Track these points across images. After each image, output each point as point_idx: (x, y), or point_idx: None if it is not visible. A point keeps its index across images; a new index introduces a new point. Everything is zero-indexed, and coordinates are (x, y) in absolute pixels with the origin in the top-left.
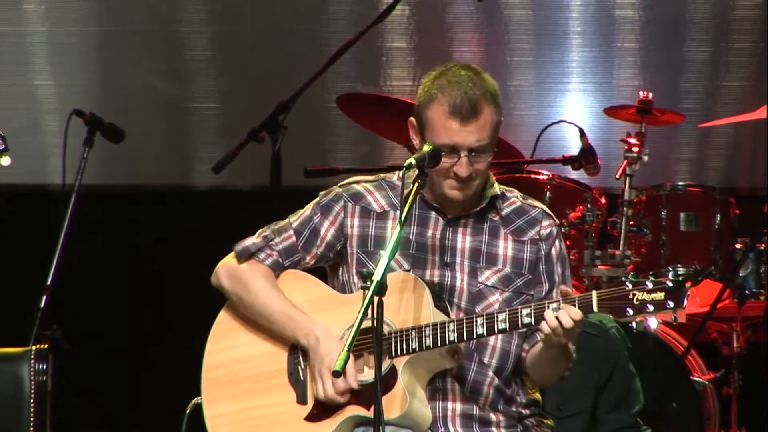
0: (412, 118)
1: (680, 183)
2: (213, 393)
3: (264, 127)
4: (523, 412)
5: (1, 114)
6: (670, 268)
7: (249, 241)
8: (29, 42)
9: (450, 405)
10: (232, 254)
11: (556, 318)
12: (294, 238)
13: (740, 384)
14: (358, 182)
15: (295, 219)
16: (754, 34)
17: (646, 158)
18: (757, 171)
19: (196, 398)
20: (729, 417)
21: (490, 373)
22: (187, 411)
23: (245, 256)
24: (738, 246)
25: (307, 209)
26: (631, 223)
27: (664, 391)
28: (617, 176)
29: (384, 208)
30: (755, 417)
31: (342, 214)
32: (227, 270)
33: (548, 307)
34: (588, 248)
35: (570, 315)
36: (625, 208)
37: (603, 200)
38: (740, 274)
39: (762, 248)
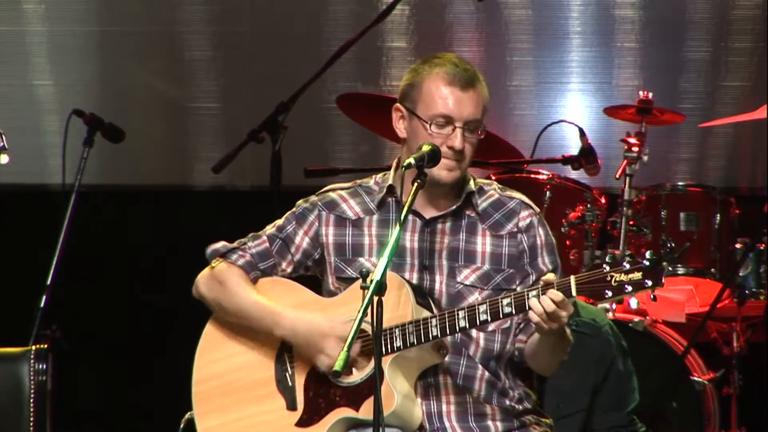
0: (397, 104)
1: (680, 183)
2: (204, 406)
3: (264, 127)
4: (518, 407)
5: (1, 114)
6: (669, 268)
7: (220, 244)
8: (29, 42)
9: (444, 400)
10: (208, 266)
11: (540, 304)
12: (267, 244)
13: (740, 384)
14: (333, 190)
15: (270, 228)
16: (754, 34)
17: (646, 158)
18: (757, 171)
19: (188, 413)
20: (729, 417)
21: (480, 367)
22: (181, 426)
23: (216, 257)
24: (738, 246)
25: (282, 219)
26: (631, 223)
27: (664, 391)
28: (617, 176)
29: (359, 215)
30: (755, 417)
31: (317, 223)
32: (204, 278)
33: (528, 295)
34: (588, 248)
35: (551, 298)
36: (625, 208)
37: (603, 200)
38: (740, 274)
39: (762, 248)
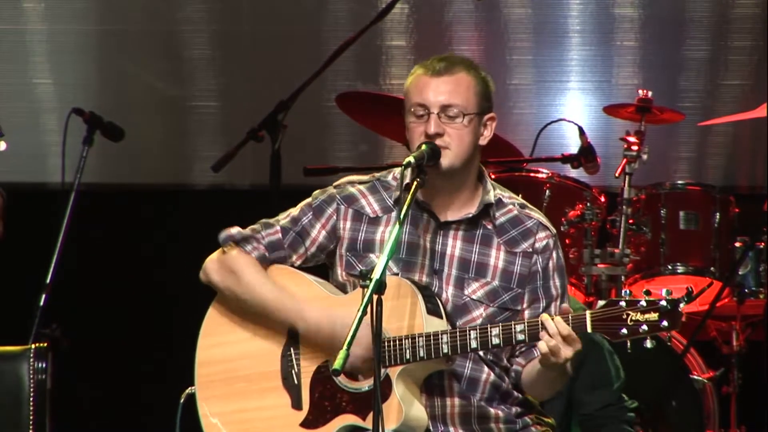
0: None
1: (680, 181)
2: (207, 390)
3: (263, 125)
4: (519, 409)
5: (1, 112)
6: (669, 266)
7: (235, 230)
8: (29, 40)
9: (448, 402)
10: (219, 249)
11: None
12: (280, 235)
13: (740, 383)
14: (352, 183)
15: (284, 217)
16: (753, 32)
17: (645, 157)
18: (756, 169)
19: (190, 388)
20: (728, 416)
21: (486, 369)
22: (182, 400)
23: (230, 243)
24: (737, 244)
25: (297, 209)
26: (631, 221)
27: (663, 390)
28: (617, 175)
29: (377, 213)
30: (755, 416)
31: (335, 217)
32: (215, 264)
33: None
34: (587, 247)
35: (558, 328)
36: (624, 207)
37: (602, 199)
38: (740, 273)
39: (761, 247)
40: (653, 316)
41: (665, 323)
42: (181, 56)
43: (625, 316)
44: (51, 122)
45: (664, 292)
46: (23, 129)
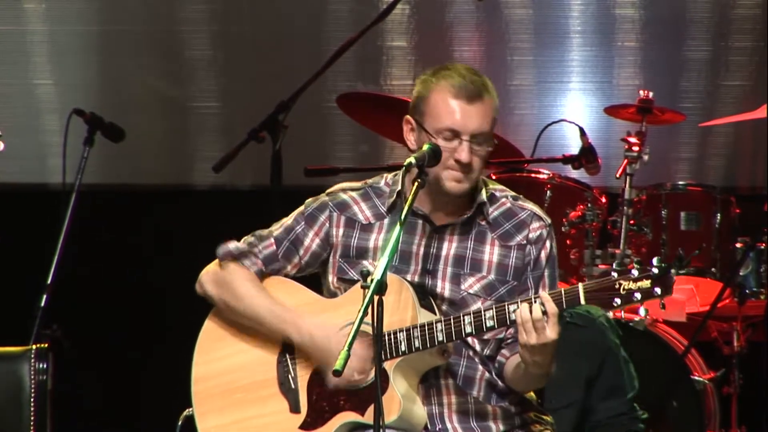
0: (407, 116)
1: (680, 182)
2: (204, 405)
3: (264, 126)
4: (517, 407)
5: (1, 113)
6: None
7: (232, 245)
8: (29, 41)
9: (445, 400)
10: (214, 261)
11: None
12: (274, 247)
13: (740, 383)
14: (344, 190)
15: (277, 228)
16: (754, 33)
17: (646, 157)
18: (757, 170)
19: (187, 410)
20: (729, 416)
21: (481, 367)
22: (179, 423)
23: (228, 258)
24: (738, 245)
25: (290, 218)
26: (632, 222)
27: (664, 391)
28: (617, 175)
29: (369, 219)
30: (755, 416)
31: (327, 224)
32: (211, 277)
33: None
34: (588, 247)
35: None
36: (625, 207)
37: (603, 199)
38: (741, 273)
39: (762, 247)
40: (645, 283)
41: (658, 290)
42: (181, 56)
43: (617, 286)
44: (52, 123)
45: (655, 260)
46: (24, 130)
